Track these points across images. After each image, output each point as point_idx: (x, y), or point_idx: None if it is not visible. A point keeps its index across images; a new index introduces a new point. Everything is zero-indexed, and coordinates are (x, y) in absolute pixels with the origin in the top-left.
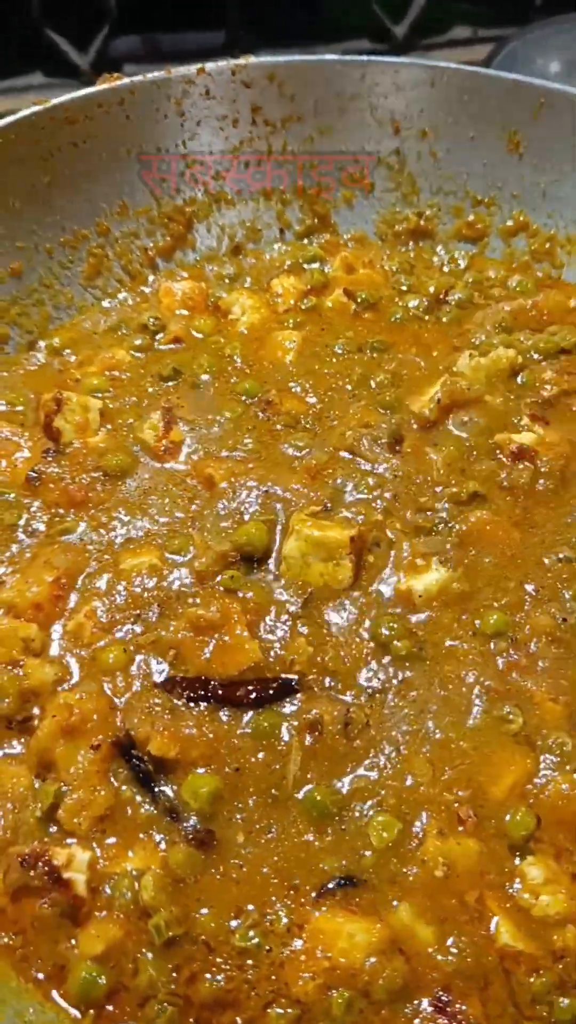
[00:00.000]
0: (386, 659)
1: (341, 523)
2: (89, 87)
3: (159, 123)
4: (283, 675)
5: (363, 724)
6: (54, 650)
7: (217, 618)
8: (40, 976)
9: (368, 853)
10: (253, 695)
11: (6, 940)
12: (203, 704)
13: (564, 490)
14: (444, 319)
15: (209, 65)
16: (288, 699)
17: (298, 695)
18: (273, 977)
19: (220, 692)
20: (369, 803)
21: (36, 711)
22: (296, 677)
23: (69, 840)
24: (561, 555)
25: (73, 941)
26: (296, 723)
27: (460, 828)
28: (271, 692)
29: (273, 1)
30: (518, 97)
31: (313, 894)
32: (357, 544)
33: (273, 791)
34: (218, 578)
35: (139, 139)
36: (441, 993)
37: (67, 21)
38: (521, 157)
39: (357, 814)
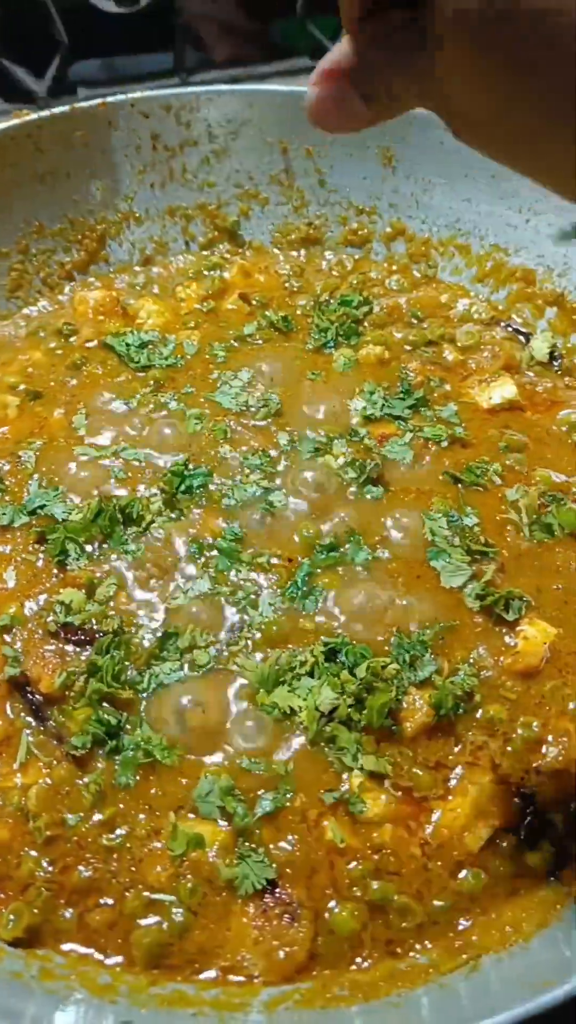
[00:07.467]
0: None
1: None
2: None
3: (68, 152)
4: None
5: None
6: None
7: (93, 576)
8: None
9: None
10: None
11: None
12: (88, 649)
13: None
14: None
15: (109, 99)
16: None
17: None
18: (132, 869)
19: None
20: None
21: None
22: None
23: None
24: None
25: None
26: None
27: None
28: None
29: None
30: None
31: (181, 808)
32: None
33: None
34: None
35: (51, 167)
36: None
37: (22, 50)
38: (395, 170)
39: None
